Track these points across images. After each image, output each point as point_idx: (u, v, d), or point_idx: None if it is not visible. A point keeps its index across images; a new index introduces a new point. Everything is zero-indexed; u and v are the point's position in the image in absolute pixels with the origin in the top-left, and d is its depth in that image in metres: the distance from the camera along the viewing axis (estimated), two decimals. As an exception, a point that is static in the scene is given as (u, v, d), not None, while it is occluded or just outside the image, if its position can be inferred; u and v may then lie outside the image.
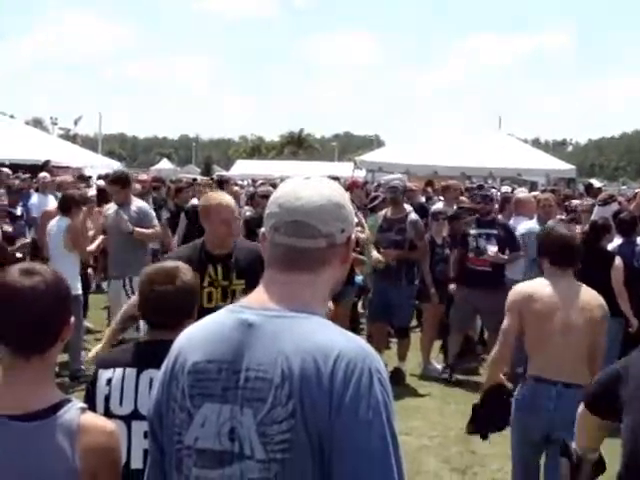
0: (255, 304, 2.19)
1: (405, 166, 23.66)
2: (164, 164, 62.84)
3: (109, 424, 2.72)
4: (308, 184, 2.27)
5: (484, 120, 29.08)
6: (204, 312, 2.47)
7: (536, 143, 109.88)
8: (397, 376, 10.04)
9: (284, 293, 2.18)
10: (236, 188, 16.86)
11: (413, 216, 10.69)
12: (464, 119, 27.81)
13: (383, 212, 10.73)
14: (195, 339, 2.24)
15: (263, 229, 2.29)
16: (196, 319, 2.48)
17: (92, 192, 14.70)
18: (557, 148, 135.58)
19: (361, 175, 26.56)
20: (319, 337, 2.08)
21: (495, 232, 10.59)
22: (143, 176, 17.60)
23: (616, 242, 9.49)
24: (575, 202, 13.78)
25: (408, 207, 10.88)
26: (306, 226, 2.19)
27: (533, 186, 27.38)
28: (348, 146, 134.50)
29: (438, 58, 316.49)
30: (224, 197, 5.97)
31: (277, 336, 2.09)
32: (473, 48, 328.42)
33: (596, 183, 17.25)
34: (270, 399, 2.04)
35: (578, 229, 9.98)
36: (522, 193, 13.49)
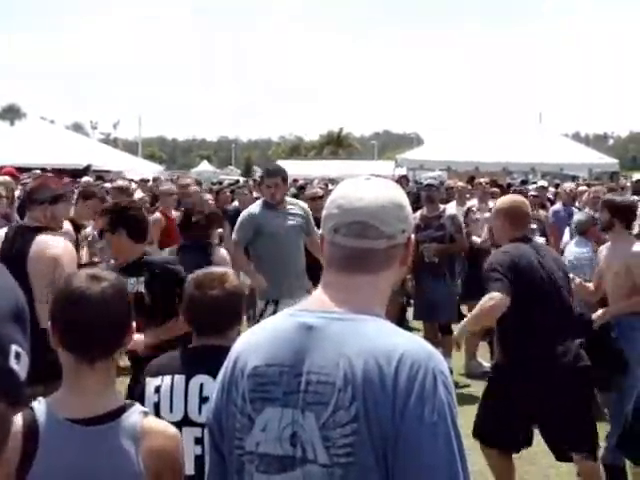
0: (314, 307, 2.17)
1: (446, 163, 23.66)
2: (204, 166, 63.16)
3: (171, 428, 2.74)
4: (368, 185, 2.25)
5: (524, 114, 28.80)
6: None
7: (577, 137, 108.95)
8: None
9: (344, 295, 2.16)
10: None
11: (450, 211, 10.82)
12: (503, 113, 27.48)
13: (419, 212, 10.67)
14: (254, 343, 2.22)
15: (321, 231, 2.28)
16: None
17: (137, 195, 14.76)
18: (598, 142, 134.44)
19: (402, 173, 26.50)
20: (381, 339, 2.06)
21: (535, 226, 10.64)
22: (186, 180, 17.66)
23: None
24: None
25: (442, 206, 10.97)
26: (368, 227, 2.17)
27: (575, 181, 27.16)
28: (387, 144, 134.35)
29: (473, 51, 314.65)
30: None
31: (338, 339, 2.07)
32: (508, 40, 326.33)
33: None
34: (333, 402, 2.02)
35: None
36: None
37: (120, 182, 13.08)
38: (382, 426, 1.97)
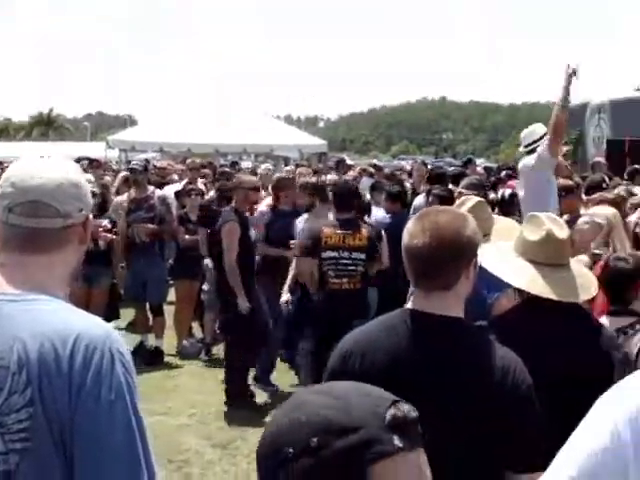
0: None
1: (159, 144, 23.53)
2: None
3: None
4: (43, 163, 2.20)
5: (233, 96, 29.01)
6: None
7: (289, 119, 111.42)
8: (155, 356, 9.99)
9: (20, 276, 2.10)
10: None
11: (159, 192, 10.82)
12: (207, 96, 27.37)
13: (125, 195, 10.70)
14: None
15: None
16: None
17: None
18: (309, 124, 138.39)
19: (114, 155, 26.14)
20: (57, 320, 2.01)
21: None
22: None
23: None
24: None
25: (151, 187, 10.92)
26: (43, 206, 2.12)
27: (287, 161, 27.84)
28: (101, 126, 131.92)
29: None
30: None
31: (13, 321, 2.01)
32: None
33: (348, 160, 17.75)
34: (7, 387, 1.95)
35: None
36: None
37: None
38: (59, 410, 1.93)
